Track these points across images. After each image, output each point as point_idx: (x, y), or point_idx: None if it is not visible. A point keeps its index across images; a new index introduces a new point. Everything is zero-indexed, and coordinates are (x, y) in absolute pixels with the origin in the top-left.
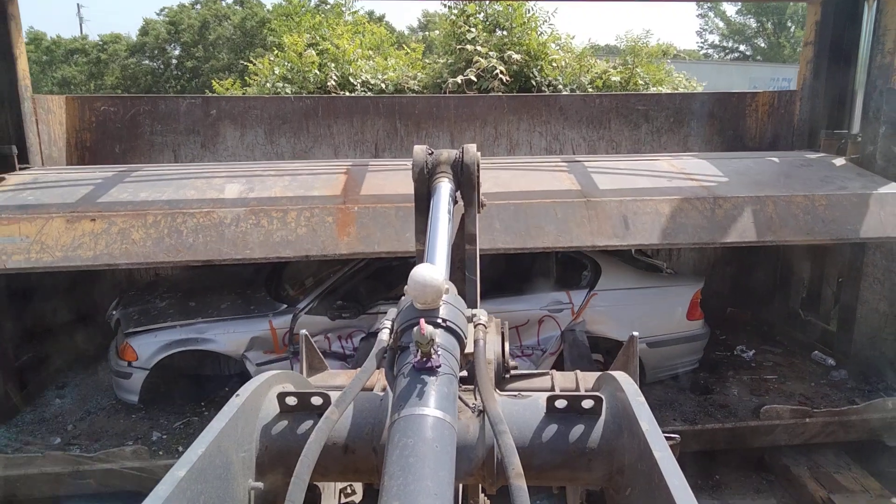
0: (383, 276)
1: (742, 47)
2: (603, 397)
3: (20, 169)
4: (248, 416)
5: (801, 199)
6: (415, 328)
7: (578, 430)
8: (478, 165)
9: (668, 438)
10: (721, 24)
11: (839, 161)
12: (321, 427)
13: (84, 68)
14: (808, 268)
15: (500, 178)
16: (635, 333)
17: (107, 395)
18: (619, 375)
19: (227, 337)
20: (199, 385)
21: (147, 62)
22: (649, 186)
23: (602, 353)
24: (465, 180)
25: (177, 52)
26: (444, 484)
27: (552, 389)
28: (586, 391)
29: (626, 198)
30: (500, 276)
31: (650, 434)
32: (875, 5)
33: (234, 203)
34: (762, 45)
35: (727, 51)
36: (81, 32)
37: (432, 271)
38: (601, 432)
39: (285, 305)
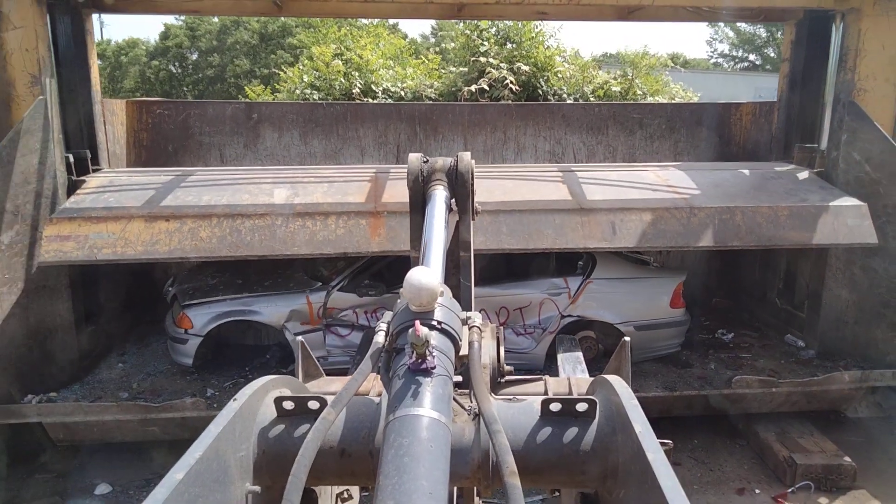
0: (405, 261)
1: (752, 57)
2: (597, 400)
3: (93, 170)
4: (245, 420)
5: (765, 209)
6: (410, 330)
7: (572, 432)
8: (472, 173)
9: (661, 444)
10: (731, 34)
11: (806, 174)
12: (318, 428)
13: (104, 72)
14: (784, 261)
15: (506, 187)
16: (627, 339)
17: (163, 360)
18: (613, 379)
19: (270, 309)
20: (243, 353)
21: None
22: (635, 196)
23: (595, 331)
24: (460, 188)
25: (194, 57)
26: (438, 483)
27: (546, 394)
28: (579, 395)
29: (614, 207)
30: (507, 263)
31: (643, 436)
32: (841, 28)
33: (283, 208)
34: (772, 54)
35: (737, 60)
36: (102, 37)
37: (427, 274)
38: (595, 435)
39: (320, 283)
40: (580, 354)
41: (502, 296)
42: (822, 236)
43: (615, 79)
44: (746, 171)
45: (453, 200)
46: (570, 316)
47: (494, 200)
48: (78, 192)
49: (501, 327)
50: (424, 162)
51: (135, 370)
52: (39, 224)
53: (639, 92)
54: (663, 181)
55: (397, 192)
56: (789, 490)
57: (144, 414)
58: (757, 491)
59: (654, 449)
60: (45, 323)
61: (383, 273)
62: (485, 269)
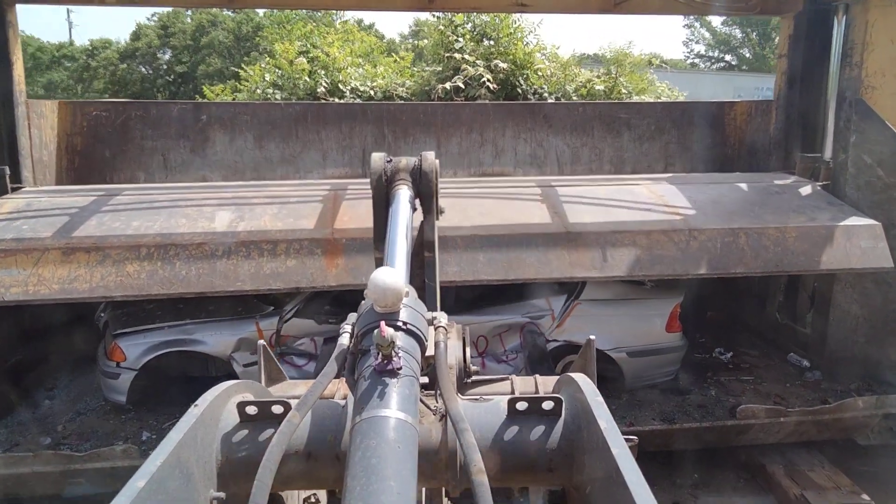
0: None
1: (728, 57)
2: (562, 398)
3: (13, 189)
4: (207, 426)
5: (772, 231)
6: (375, 331)
7: (539, 430)
8: (436, 173)
9: (626, 440)
10: (707, 35)
11: (811, 188)
12: (283, 431)
13: (72, 73)
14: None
15: (484, 206)
16: (592, 337)
17: (97, 395)
18: (578, 377)
19: (214, 338)
20: (187, 386)
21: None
22: (627, 217)
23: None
24: (424, 188)
25: (167, 57)
26: (407, 484)
27: (512, 393)
28: (546, 394)
29: (604, 230)
30: (481, 288)
31: (608, 432)
32: (844, 20)
33: (225, 235)
34: (747, 55)
35: (713, 60)
36: (70, 38)
37: (392, 274)
38: (561, 433)
39: (272, 308)
40: None
41: (478, 323)
42: (833, 260)
43: (599, 77)
44: (746, 186)
45: (417, 200)
46: (555, 341)
47: (471, 224)
48: None
49: (467, 328)
50: (388, 161)
51: (64, 408)
52: None
53: (623, 91)
54: (657, 198)
55: (358, 214)
56: None
57: (67, 465)
58: None
59: (619, 445)
60: None
61: (345, 296)
62: (457, 295)
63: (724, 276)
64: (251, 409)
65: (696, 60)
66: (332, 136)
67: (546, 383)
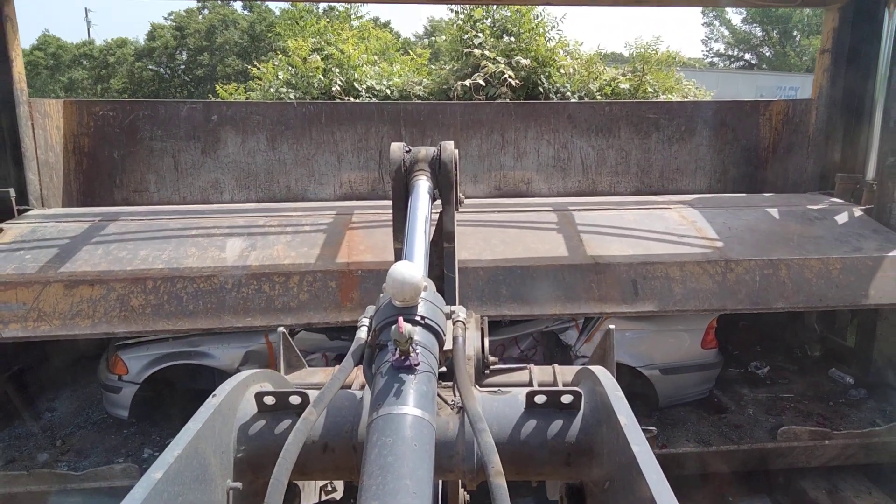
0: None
1: (747, 56)
2: (582, 392)
3: (19, 212)
4: (225, 416)
5: (815, 262)
6: (393, 326)
7: (558, 424)
8: (455, 163)
9: (645, 431)
10: (727, 33)
11: (853, 213)
12: (299, 428)
13: (91, 73)
14: None
15: (507, 236)
16: (612, 327)
17: (98, 408)
18: (597, 370)
19: (221, 351)
20: (193, 399)
21: (154, 67)
22: (658, 246)
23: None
24: (443, 178)
25: (184, 57)
26: (422, 483)
27: (531, 383)
28: (564, 385)
29: (634, 261)
30: None
31: (628, 428)
32: None
33: (236, 267)
34: (767, 54)
35: (732, 59)
36: (89, 37)
37: (410, 268)
38: (580, 426)
39: None
40: None
41: (500, 339)
42: (882, 294)
43: (624, 75)
44: (783, 210)
45: (436, 191)
46: (584, 357)
47: (492, 256)
48: None
49: (486, 318)
50: (407, 151)
51: (64, 421)
52: None
53: (650, 89)
54: (689, 224)
55: (374, 243)
56: None
57: (63, 484)
58: None
59: (638, 441)
60: None
61: None
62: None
63: (765, 311)
64: (269, 400)
65: (715, 59)
66: (347, 137)
67: (565, 373)
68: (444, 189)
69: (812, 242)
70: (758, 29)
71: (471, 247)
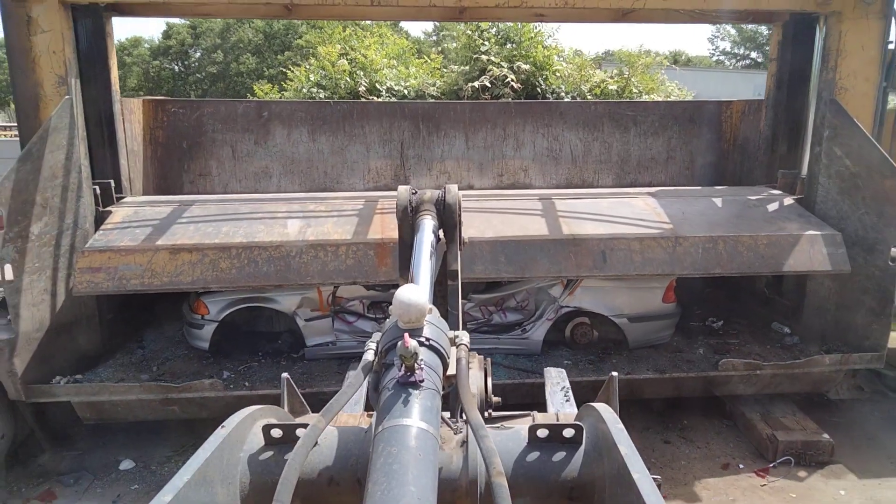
0: None
1: (753, 54)
2: (583, 426)
3: (117, 199)
4: (233, 447)
5: (746, 238)
6: (399, 343)
7: (559, 457)
8: (459, 205)
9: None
10: (733, 31)
11: (788, 200)
12: (308, 434)
13: None
14: None
15: (504, 219)
16: (614, 374)
17: (179, 347)
18: (600, 406)
19: (283, 297)
20: (254, 340)
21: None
22: (624, 226)
23: (590, 319)
24: (448, 218)
25: (198, 55)
26: (426, 490)
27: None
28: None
29: (604, 237)
30: None
31: (628, 458)
32: (824, 29)
33: (296, 241)
34: None
35: (738, 58)
36: None
37: (416, 291)
38: (582, 460)
39: None
40: (565, 374)
41: (500, 296)
42: (798, 264)
43: (612, 77)
44: (729, 200)
45: (441, 231)
46: (566, 307)
47: (493, 233)
48: (104, 225)
49: (489, 359)
50: (413, 193)
51: (153, 355)
52: (65, 216)
53: (635, 90)
54: (651, 210)
55: None
56: (771, 465)
57: (165, 394)
58: (741, 466)
59: (639, 469)
60: (71, 310)
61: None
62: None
63: (704, 276)
64: (276, 432)
65: (722, 58)
66: (374, 130)
67: (567, 418)
68: (449, 228)
69: (746, 224)
70: (764, 28)
71: (477, 226)
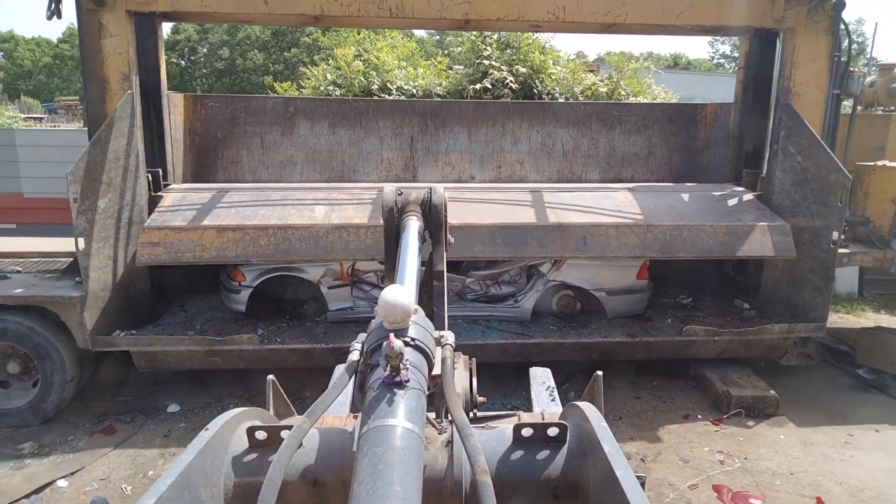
0: None
1: None
2: (568, 425)
3: (164, 187)
4: (216, 449)
5: (707, 227)
6: (384, 343)
7: (543, 456)
8: (445, 205)
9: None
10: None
11: (748, 196)
12: (293, 435)
13: None
14: None
15: (501, 208)
16: (599, 373)
17: (218, 310)
18: (584, 405)
19: (310, 267)
20: (282, 305)
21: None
22: (604, 215)
23: (573, 291)
24: (433, 219)
25: (205, 51)
26: (411, 489)
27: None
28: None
29: (585, 224)
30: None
31: (612, 456)
32: (782, 43)
33: (324, 223)
34: None
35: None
36: None
37: (401, 292)
38: (566, 458)
39: None
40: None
41: (497, 272)
42: (752, 250)
43: (602, 81)
44: (696, 195)
45: (427, 232)
46: (553, 280)
47: (491, 219)
48: (158, 207)
49: (474, 359)
50: (399, 194)
51: (195, 316)
52: (125, 194)
53: (623, 93)
54: (629, 202)
55: None
56: (724, 416)
57: (210, 346)
58: (699, 416)
59: (622, 467)
60: (128, 274)
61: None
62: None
63: (671, 258)
64: (260, 434)
65: (721, 60)
66: (387, 125)
67: (553, 417)
68: (435, 229)
69: (709, 215)
70: None
71: (477, 213)
